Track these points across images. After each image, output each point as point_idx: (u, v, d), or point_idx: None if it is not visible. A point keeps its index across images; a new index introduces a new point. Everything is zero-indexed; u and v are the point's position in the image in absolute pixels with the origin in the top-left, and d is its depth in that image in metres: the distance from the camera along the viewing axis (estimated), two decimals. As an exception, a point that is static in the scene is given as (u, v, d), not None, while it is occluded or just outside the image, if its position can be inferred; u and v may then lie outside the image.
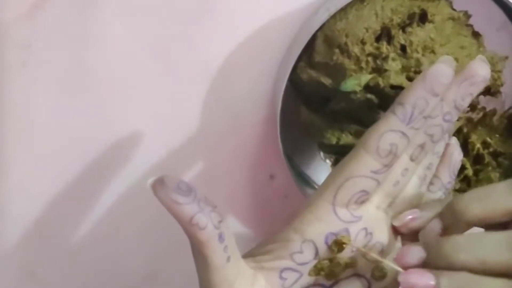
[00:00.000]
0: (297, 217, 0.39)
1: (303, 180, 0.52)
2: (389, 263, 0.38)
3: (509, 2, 0.47)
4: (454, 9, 0.47)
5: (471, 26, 0.48)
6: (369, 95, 0.45)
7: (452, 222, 0.37)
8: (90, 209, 0.51)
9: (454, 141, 0.43)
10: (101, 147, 0.49)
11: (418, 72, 0.45)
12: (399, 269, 0.36)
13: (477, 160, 0.50)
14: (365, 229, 0.39)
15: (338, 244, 0.38)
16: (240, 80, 0.49)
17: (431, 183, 0.42)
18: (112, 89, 0.48)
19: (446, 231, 0.37)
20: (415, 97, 0.37)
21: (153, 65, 0.48)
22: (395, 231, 0.40)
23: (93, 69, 0.47)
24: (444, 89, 0.38)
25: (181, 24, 0.47)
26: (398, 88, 0.45)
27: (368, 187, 0.38)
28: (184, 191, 0.34)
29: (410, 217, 0.39)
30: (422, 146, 0.39)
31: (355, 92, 0.45)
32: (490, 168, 0.50)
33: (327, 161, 0.52)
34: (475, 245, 0.35)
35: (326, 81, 0.46)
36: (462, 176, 0.50)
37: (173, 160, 0.50)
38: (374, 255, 0.39)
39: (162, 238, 0.53)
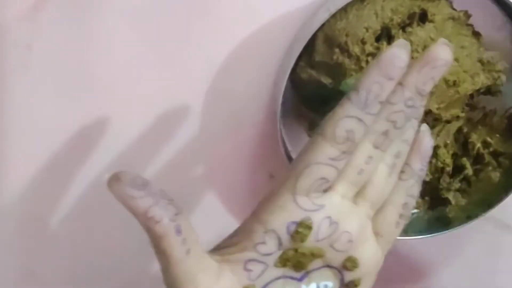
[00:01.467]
0: (259, 207, 0.39)
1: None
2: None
3: (509, 2, 0.47)
4: (454, 9, 0.47)
5: (471, 25, 0.48)
6: None
7: None
8: (90, 209, 0.51)
9: (424, 128, 0.42)
10: (100, 147, 0.49)
11: None
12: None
13: (477, 160, 0.50)
14: (329, 218, 0.38)
15: (298, 233, 0.38)
16: (240, 80, 0.49)
17: (402, 171, 0.41)
18: (112, 89, 0.48)
19: None
20: (370, 81, 0.36)
21: (153, 65, 0.48)
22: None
23: (94, 70, 0.47)
24: (399, 73, 0.37)
25: (182, 24, 0.47)
26: None
27: (328, 174, 0.37)
28: (138, 185, 0.34)
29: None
30: (385, 134, 0.38)
31: None
32: (490, 168, 0.50)
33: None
34: None
35: (326, 80, 0.46)
36: (462, 176, 0.50)
37: (173, 160, 0.50)
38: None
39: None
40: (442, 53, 0.37)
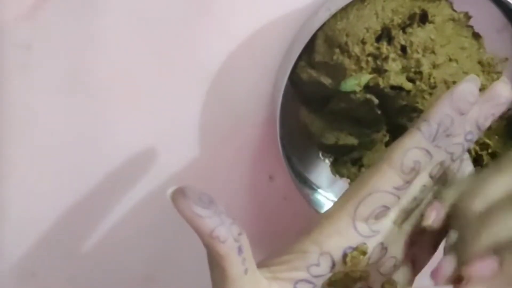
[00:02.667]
0: (316, 228, 0.39)
1: (303, 180, 0.52)
2: None
3: (510, 3, 0.47)
4: (454, 10, 0.47)
5: (471, 27, 0.48)
6: (368, 95, 0.45)
7: (462, 223, 0.37)
8: (90, 210, 0.51)
9: (466, 157, 0.43)
10: (100, 148, 0.49)
11: (418, 72, 0.45)
12: None
13: (476, 161, 0.50)
14: (381, 243, 0.39)
15: (354, 258, 0.38)
16: (240, 81, 0.49)
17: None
18: (112, 89, 0.48)
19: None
20: (441, 114, 0.37)
21: (153, 65, 0.48)
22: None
23: (93, 70, 0.47)
24: (469, 108, 0.38)
25: (181, 24, 0.47)
26: (398, 89, 0.45)
27: (389, 202, 0.38)
28: (205, 203, 0.34)
29: (434, 212, 0.39)
30: (441, 164, 0.39)
31: (354, 92, 0.45)
32: None
33: (326, 161, 0.52)
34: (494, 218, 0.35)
35: (326, 81, 0.46)
36: None
37: (172, 161, 0.50)
38: None
39: (162, 239, 0.53)
40: (504, 91, 0.39)
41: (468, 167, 0.42)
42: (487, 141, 0.49)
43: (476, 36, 0.48)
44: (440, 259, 0.37)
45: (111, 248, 0.52)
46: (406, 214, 0.40)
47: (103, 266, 0.53)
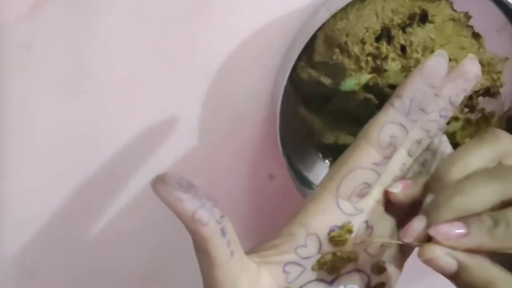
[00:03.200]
0: (301, 210, 0.39)
1: (302, 180, 0.52)
2: (387, 240, 0.39)
3: (510, 3, 0.47)
4: (454, 10, 0.47)
5: (471, 27, 0.48)
6: (368, 95, 0.45)
7: (439, 188, 0.37)
8: (90, 209, 0.51)
9: (445, 139, 0.43)
10: (100, 147, 0.49)
11: None
12: (398, 242, 0.37)
13: None
14: (366, 222, 0.39)
15: (340, 237, 0.38)
16: (240, 80, 0.49)
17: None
18: (112, 89, 0.48)
19: None
20: (413, 89, 0.38)
21: (153, 65, 0.48)
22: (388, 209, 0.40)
23: (93, 70, 0.47)
24: (440, 82, 0.39)
25: (181, 25, 0.47)
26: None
27: (370, 179, 0.39)
28: (185, 188, 0.34)
29: (403, 184, 0.40)
30: (419, 142, 0.40)
31: (354, 92, 0.45)
32: None
33: (326, 161, 0.52)
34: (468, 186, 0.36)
35: (326, 80, 0.46)
36: None
37: (172, 160, 0.50)
38: (382, 238, 0.40)
39: (162, 238, 0.53)
40: (473, 66, 0.40)
41: (447, 148, 0.43)
42: None
43: (476, 36, 0.48)
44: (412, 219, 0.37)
45: (111, 247, 0.52)
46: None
47: (103, 265, 0.53)
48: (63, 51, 0.46)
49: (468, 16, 0.47)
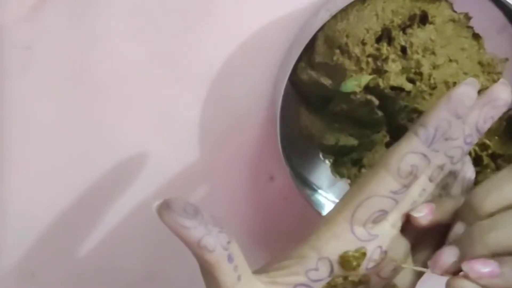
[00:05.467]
0: (314, 233, 0.39)
1: (303, 181, 0.52)
2: (413, 267, 0.39)
3: (510, 4, 0.47)
4: (454, 11, 0.47)
5: (471, 28, 0.48)
6: (369, 96, 0.45)
7: (472, 218, 0.37)
8: (89, 210, 0.51)
9: (468, 160, 0.43)
10: (100, 149, 0.49)
11: (418, 73, 0.45)
12: (425, 270, 0.37)
13: (476, 162, 0.50)
14: (380, 247, 0.39)
15: (352, 261, 0.38)
16: (241, 81, 0.49)
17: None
18: (112, 90, 0.48)
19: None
20: (438, 119, 0.37)
21: (153, 66, 0.48)
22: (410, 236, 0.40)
23: (93, 71, 0.47)
24: (467, 112, 0.38)
25: (182, 26, 0.47)
26: (398, 89, 0.45)
27: (387, 206, 0.38)
28: (190, 214, 0.34)
29: (427, 209, 0.39)
30: (441, 167, 0.39)
31: (355, 93, 0.45)
32: (489, 170, 0.49)
33: (326, 162, 0.52)
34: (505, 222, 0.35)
35: (326, 81, 0.46)
36: None
37: (172, 162, 0.51)
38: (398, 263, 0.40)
39: (162, 238, 0.52)
40: (503, 93, 0.38)
41: (469, 170, 0.42)
42: (487, 142, 0.49)
43: (476, 36, 0.48)
44: (441, 248, 0.37)
45: (111, 248, 0.52)
46: (406, 217, 0.40)
47: (103, 266, 0.53)
48: (63, 52, 0.46)
49: (468, 17, 0.47)
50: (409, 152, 0.37)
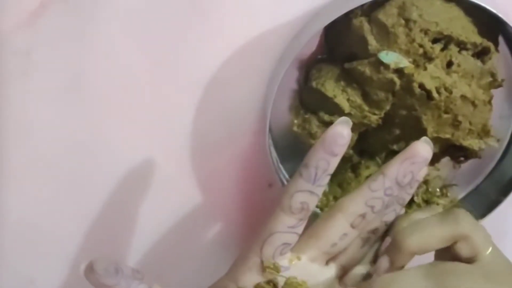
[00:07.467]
0: (233, 266, 0.44)
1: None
2: None
3: (503, 20, 0.46)
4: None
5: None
6: (395, 79, 0.45)
7: (397, 255, 0.43)
8: (89, 215, 0.51)
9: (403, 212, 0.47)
10: (99, 154, 0.49)
11: (448, 90, 0.45)
12: None
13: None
14: (295, 278, 0.43)
15: None
16: (237, 89, 0.49)
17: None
18: (109, 97, 0.48)
19: (393, 264, 0.43)
20: (317, 158, 0.41)
21: (150, 74, 0.48)
22: None
23: (92, 77, 0.47)
24: (343, 149, 0.40)
25: (176, 33, 0.47)
26: (424, 90, 0.45)
27: (289, 240, 0.43)
28: (111, 273, 0.39)
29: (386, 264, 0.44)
30: (363, 216, 0.42)
31: (387, 66, 0.45)
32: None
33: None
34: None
35: (372, 41, 0.46)
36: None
37: (169, 169, 0.51)
38: None
39: (159, 245, 0.53)
40: (423, 151, 0.42)
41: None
42: None
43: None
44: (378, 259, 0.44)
45: (110, 255, 0.52)
46: (328, 256, 0.44)
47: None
48: (63, 58, 0.47)
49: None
50: (297, 191, 0.41)
